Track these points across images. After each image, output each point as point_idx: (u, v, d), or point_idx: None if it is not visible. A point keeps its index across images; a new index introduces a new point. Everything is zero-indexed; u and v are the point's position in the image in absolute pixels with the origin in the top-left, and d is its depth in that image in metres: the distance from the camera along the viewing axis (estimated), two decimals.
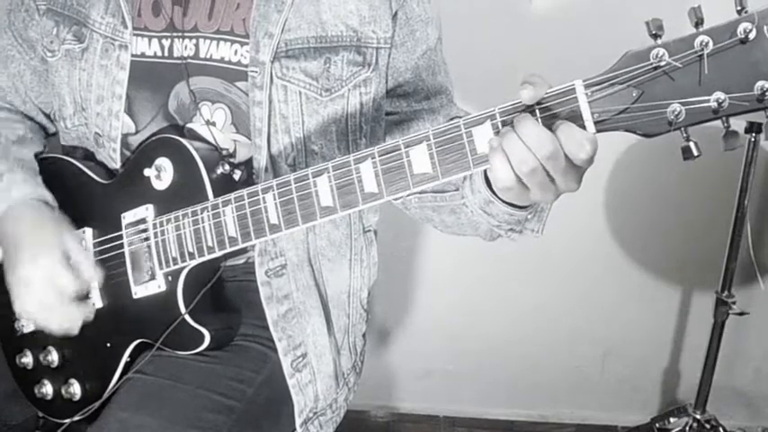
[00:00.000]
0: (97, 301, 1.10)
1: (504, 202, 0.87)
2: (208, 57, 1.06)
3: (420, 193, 0.84)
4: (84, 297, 1.08)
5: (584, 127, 0.73)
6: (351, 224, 1.17)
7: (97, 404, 1.09)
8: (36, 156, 1.20)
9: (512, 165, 0.75)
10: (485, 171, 0.84)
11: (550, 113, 0.74)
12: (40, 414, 1.19)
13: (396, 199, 0.87)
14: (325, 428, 1.19)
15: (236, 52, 1.05)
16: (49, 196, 1.13)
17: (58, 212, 1.12)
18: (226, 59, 1.06)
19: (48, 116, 1.26)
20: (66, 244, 1.06)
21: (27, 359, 1.17)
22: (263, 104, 1.04)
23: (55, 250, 1.05)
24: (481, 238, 1.05)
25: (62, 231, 1.08)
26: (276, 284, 1.10)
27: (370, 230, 1.24)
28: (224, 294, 1.15)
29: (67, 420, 1.12)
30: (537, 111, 0.75)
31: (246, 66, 1.04)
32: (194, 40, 1.07)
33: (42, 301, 1.05)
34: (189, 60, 1.07)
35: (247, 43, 1.05)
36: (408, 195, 0.85)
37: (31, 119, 1.26)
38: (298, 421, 1.13)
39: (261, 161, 1.06)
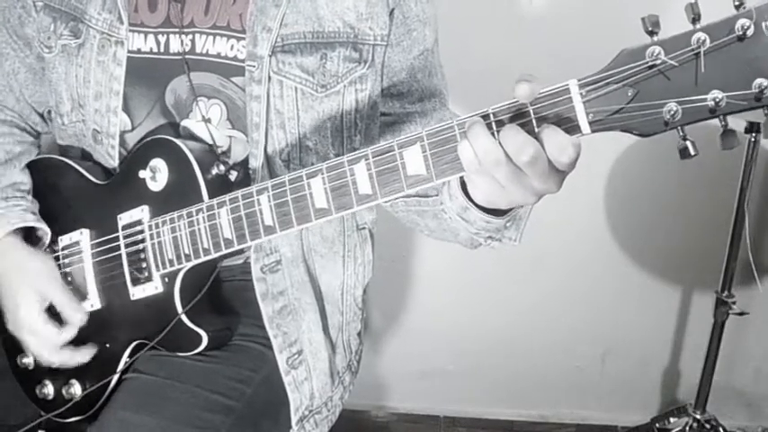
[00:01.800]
0: (95, 303, 1.10)
1: (479, 208, 0.85)
2: (204, 52, 1.06)
3: (406, 196, 0.83)
4: (77, 342, 1.10)
5: (578, 127, 0.72)
6: (343, 221, 1.17)
7: (81, 397, 1.10)
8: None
9: (477, 155, 0.74)
10: (461, 177, 0.83)
11: (544, 114, 0.73)
12: (42, 413, 1.18)
13: (390, 201, 0.86)
14: (321, 427, 1.19)
15: (232, 47, 1.05)
16: (33, 220, 1.13)
17: (42, 252, 1.13)
18: (222, 54, 1.06)
19: (41, 115, 1.25)
20: (46, 291, 1.09)
21: (28, 360, 1.17)
22: (260, 99, 1.04)
23: (33, 303, 1.08)
24: (462, 246, 1.04)
25: (41, 277, 1.10)
26: (271, 281, 1.10)
27: (364, 228, 1.24)
28: (221, 295, 1.15)
29: (49, 416, 1.13)
30: (531, 111, 0.73)
31: (243, 61, 1.04)
32: (190, 36, 1.06)
33: (35, 349, 1.10)
34: (185, 56, 1.06)
35: (244, 38, 1.04)
36: (403, 197, 0.84)
37: (22, 122, 1.25)
38: (293, 419, 1.13)
39: (258, 157, 1.06)
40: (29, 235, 1.15)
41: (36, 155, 1.24)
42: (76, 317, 1.09)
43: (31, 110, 1.25)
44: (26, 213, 1.13)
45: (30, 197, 1.17)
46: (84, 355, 1.10)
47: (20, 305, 1.08)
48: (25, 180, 1.18)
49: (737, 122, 1.26)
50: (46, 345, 1.09)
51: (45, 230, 1.14)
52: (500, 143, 0.73)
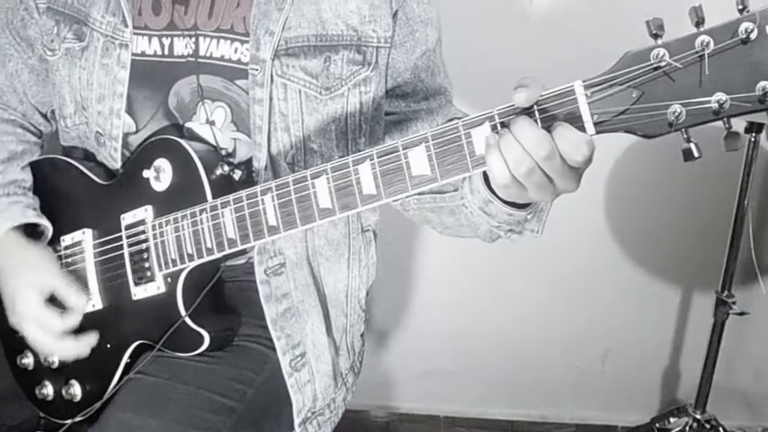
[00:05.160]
0: (97, 303, 1.10)
1: (503, 201, 0.86)
2: (208, 55, 1.06)
3: (419, 194, 0.83)
4: (82, 329, 1.09)
5: (583, 128, 0.73)
6: (349, 223, 1.17)
7: (98, 404, 1.09)
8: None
9: (508, 165, 0.75)
10: (484, 171, 0.84)
11: (549, 114, 0.74)
12: (41, 414, 1.18)
13: (395, 201, 0.86)
14: (324, 428, 1.19)
15: (236, 50, 1.05)
16: (34, 216, 1.13)
17: (40, 245, 1.13)
18: (226, 57, 1.06)
19: (44, 115, 1.26)
20: (44, 281, 1.08)
21: (28, 360, 1.17)
22: (263, 102, 1.04)
23: (31, 293, 1.07)
24: (480, 240, 1.04)
25: (39, 267, 1.10)
26: (275, 283, 1.10)
27: (368, 230, 1.24)
28: (224, 296, 1.15)
29: (69, 421, 1.12)
30: (536, 112, 0.74)
31: (246, 64, 1.04)
32: (194, 39, 1.06)
33: (40, 341, 1.08)
34: (188, 59, 1.06)
35: (247, 41, 1.05)
36: (407, 197, 0.84)
37: (25, 122, 1.25)
38: (296, 421, 1.13)
39: (261, 159, 1.06)
40: (32, 232, 1.15)
41: (38, 154, 1.24)
42: (77, 302, 1.08)
43: (35, 110, 1.25)
44: (27, 210, 1.13)
45: (30, 194, 1.17)
46: (86, 343, 1.09)
47: (18, 295, 1.07)
48: (26, 178, 1.18)
49: (737, 122, 1.26)
50: (48, 332, 1.07)
51: (46, 225, 1.14)
52: (516, 139, 0.73)
